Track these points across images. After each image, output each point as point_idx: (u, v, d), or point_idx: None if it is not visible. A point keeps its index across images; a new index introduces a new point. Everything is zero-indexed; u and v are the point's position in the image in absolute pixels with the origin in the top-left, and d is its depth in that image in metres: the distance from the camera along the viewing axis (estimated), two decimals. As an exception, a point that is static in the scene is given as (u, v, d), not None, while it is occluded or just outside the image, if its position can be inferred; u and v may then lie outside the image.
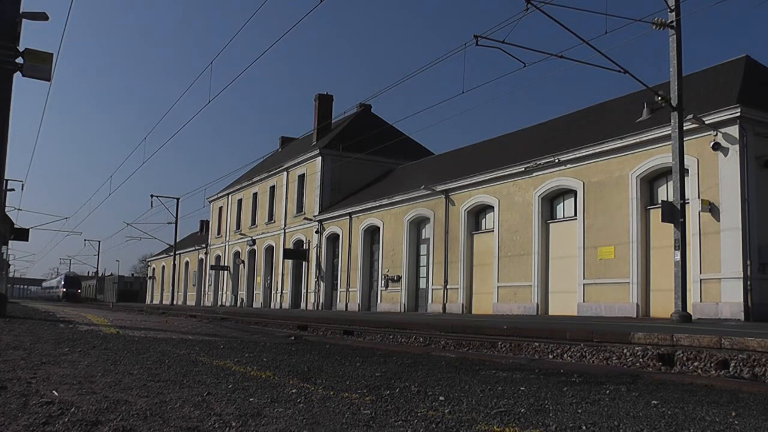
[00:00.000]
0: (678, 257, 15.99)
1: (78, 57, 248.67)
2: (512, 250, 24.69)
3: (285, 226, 43.69)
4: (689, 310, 16.19)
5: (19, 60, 13.64)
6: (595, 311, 20.81)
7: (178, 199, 54.56)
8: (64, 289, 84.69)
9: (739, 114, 17.33)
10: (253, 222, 49.34)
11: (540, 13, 15.44)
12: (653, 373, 6.77)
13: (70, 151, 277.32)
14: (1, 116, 13.48)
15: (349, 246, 35.90)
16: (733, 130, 17.61)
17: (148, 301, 75.08)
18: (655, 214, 19.23)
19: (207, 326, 14.25)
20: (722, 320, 16.51)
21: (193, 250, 62.58)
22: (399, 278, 31.36)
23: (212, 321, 20.66)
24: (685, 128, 16.88)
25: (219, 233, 56.45)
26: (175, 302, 58.49)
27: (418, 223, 31.23)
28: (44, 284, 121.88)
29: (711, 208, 17.94)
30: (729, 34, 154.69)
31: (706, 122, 17.97)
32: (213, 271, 55.74)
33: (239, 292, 50.76)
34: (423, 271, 30.76)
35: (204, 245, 59.59)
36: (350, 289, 35.76)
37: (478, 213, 27.40)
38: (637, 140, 19.96)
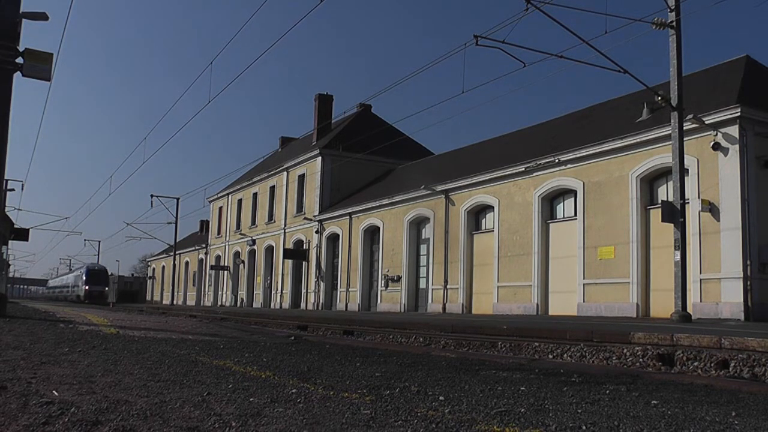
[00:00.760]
0: (678, 257, 15.99)
1: (78, 57, 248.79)
2: (512, 250, 24.69)
3: (285, 226, 43.69)
4: (689, 310, 16.19)
5: (19, 60, 13.64)
6: (595, 311, 20.81)
7: (178, 199, 54.57)
8: (87, 287, 64.41)
9: (739, 114, 17.33)
10: (253, 222, 49.34)
11: (540, 13, 15.45)
12: (653, 373, 6.77)
13: (69, 151, 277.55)
14: (1, 116, 13.48)
15: (349, 246, 35.90)
16: (733, 130, 17.60)
17: (148, 297, 75.13)
18: (655, 214, 19.23)
19: (207, 326, 14.25)
20: (722, 320, 16.51)
21: (193, 250, 62.58)
22: (399, 278, 31.36)
23: (212, 321, 20.66)
24: (685, 128, 16.88)
25: (219, 233, 56.45)
26: (175, 302, 58.49)
27: (418, 223, 31.23)
28: (52, 282, 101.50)
29: (711, 208, 17.94)
30: (729, 34, 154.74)
31: (706, 122, 17.97)
32: (213, 271, 55.74)
33: (239, 292, 50.76)
34: (423, 271, 30.75)
35: (204, 245, 59.58)
36: (350, 289, 35.75)
37: (478, 213, 27.40)
38: (637, 140, 19.95)
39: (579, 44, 16.46)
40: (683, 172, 16.65)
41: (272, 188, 46.82)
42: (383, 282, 32.49)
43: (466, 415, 3.45)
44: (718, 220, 17.76)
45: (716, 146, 17.90)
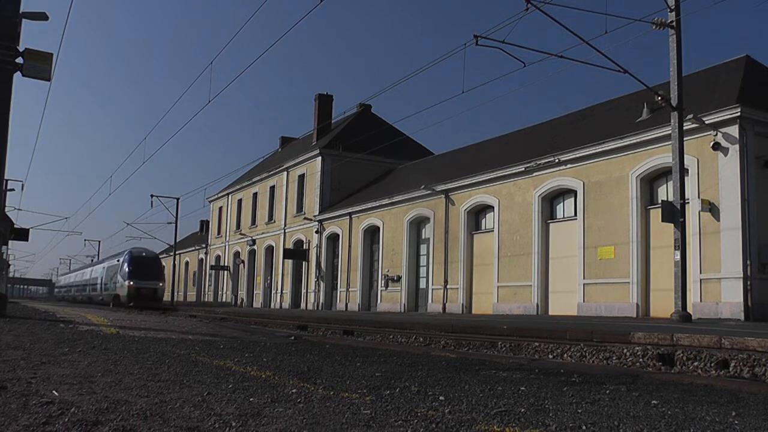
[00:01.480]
0: (678, 257, 15.99)
1: (78, 57, 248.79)
2: (512, 250, 24.69)
3: (285, 226, 43.69)
4: (689, 309, 16.19)
5: (19, 60, 13.63)
6: (595, 311, 20.81)
7: (178, 199, 54.46)
8: (131, 282, 38.40)
9: (739, 114, 17.33)
10: (253, 222, 49.35)
11: (540, 13, 15.45)
12: (653, 373, 6.77)
13: (70, 151, 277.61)
14: (1, 116, 13.48)
15: (349, 246, 35.90)
16: (733, 130, 17.61)
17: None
18: (655, 214, 19.23)
19: (207, 326, 14.24)
20: (722, 320, 16.51)
21: (193, 250, 62.58)
22: (399, 278, 31.36)
23: (212, 321, 20.66)
24: (685, 128, 16.88)
25: (219, 233, 56.46)
26: (174, 302, 58.47)
27: (418, 223, 31.23)
28: (65, 278, 73.47)
29: (711, 208, 17.94)
30: (729, 34, 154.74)
31: (706, 122, 17.97)
32: (213, 271, 55.73)
33: (239, 292, 50.77)
34: (423, 271, 30.76)
35: (204, 245, 59.58)
36: (350, 289, 35.76)
37: (478, 213, 27.40)
38: (637, 140, 19.96)
39: (579, 44, 16.47)
40: (683, 172, 16.65)
41: (272, 188, 46.83)
42: (383, 282, 32.49)
43: (466, 415, 3.45)
44: (718, 220, 17.76)
45: (716, 146, 17.90)
